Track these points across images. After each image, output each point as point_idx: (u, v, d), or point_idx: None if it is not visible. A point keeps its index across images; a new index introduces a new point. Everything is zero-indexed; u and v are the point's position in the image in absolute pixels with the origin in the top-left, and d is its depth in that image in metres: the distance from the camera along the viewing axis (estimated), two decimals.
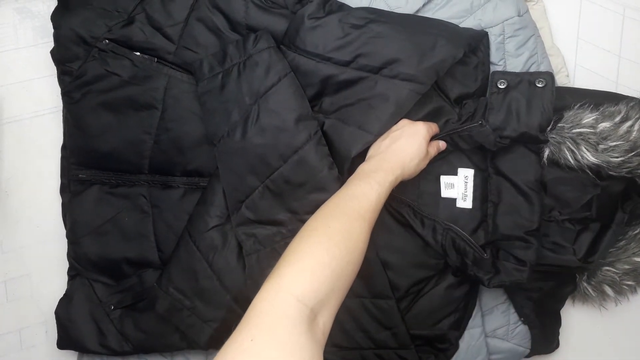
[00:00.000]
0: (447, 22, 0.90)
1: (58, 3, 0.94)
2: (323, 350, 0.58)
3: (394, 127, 0.85)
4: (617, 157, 0.83)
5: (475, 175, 0.91)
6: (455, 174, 0.92)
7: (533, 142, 0.85)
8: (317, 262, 0.62)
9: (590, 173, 0.86)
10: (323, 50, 0.86)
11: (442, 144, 0.88)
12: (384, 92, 0.84)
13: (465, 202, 0.91)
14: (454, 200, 0.92)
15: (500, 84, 0.86)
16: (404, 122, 0.86)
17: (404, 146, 0.81)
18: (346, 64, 0.86)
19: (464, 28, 0.90)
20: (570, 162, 0.85)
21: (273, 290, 0.59)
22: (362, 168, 0.79)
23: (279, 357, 0.52)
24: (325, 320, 0.61)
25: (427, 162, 0.85)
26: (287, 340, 0.54)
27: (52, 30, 0.94)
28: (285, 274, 0.60)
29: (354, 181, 0.76)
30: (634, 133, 0.83)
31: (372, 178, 0.75)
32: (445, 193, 0.92)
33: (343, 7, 0.90)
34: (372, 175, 0.76)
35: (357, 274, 0.68)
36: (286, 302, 0.57)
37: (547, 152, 0.86)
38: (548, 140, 0.85)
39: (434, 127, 0.86)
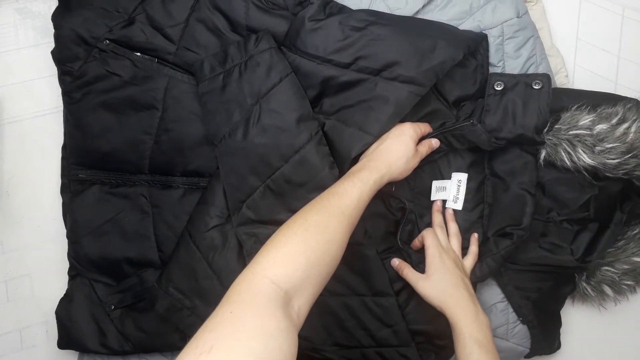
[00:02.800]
0: (447, 24, 0.90)
1: (59, 3, 0.94)
2: (297, 333, 0.61)
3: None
4: (613, 159, 0.83)
5: (470, 179, 0.92)
6: (450, 177, 0.92)
7: (529, 143, 0.86)
8: (292, 250, 0.66)
9: (586, 174, 0.87)
10: (323, 52, 0.86)
11: (434, 142, 0.89)
12: (383, 93, 0.85)
13: (456, 204, 0.92)
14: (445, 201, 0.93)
15: (497, 86, 0.86)
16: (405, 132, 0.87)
17: (390, 146, 0.84)
18: (346, 65, 0.86)
19: (463, 30, 0.90)
20: (566, 163, 0.85)
21: (250, 274, 0.63)
22: (350, 169, 0.82)
23: (256, 323, 0.56)
24: (301, 305, 0.64)
25: (417, 160, 0.86)
26: (263, 311, 0.58)
27: (53, 31, 0.94)
28: (261, 261, 0.65)
29: (339, 180, 0.79)
30: (631, 135, 0.83)
31: (356, 176, 0.78)
32: (435, 196, 0.93)
33: (343, 9, 0.90)
34: (356, 174, 0.79)
35: (335, 266, 0.72)
36: (261, 283, 0.62)
37: (543, 154, 0.87)
38: (544, 142, 0.85)
39: (422, 127, 0.88)
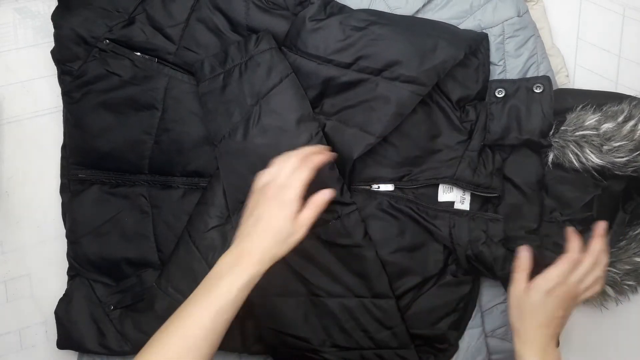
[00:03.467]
0: (448, 24, 0.90)
1: (58, 3, 0.94)
2: None
3: (259, 184, 0.75)
4: (622, 157, 0.83)
5: None
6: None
7: (536, 147, 0.86)
8: None
9: (595, 174, 0.86)
10: (324, 52, 0.86)
11: (327, 195, 0.74)
12: (385, 93, 0.84)
13: (463, 204, 0.92)
14: (451, 202, 0.92)
15: (499, 93, 0.86)
16: (272, 174, 0.75)
17: (269, 226, 0.72)
18: (347, 66, 0.86)
19: (464, 30, 0.90)
20: (575, 165, 0.85)
21: None
22: (225, 260, 0.72)
23: None
24: None
25: (302, 234, 0.72)
26: None
27: (53, 30, 0.94)
28: None
29: (214, 280, 0.71)
30: (638, 132, 0.83)
31: (235, 274, 0.70)
32: (442, 197, 0.93)
33: (344, 9, 0.90)
34: (234, 270, 0.70)
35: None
36: None
37: (551, 157, 0.87)
38: (551, 145, 0.85)
39: (314, 160, 0.75)
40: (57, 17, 0.94)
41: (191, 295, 0.71)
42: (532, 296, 0.77)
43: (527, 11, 0.91)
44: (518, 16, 0.90)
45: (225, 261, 0.72)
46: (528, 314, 0.76)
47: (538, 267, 0.81)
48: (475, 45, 0.87)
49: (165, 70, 0.93)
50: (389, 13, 0.91)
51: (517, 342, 0.77)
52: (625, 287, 0.92)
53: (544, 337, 0.75)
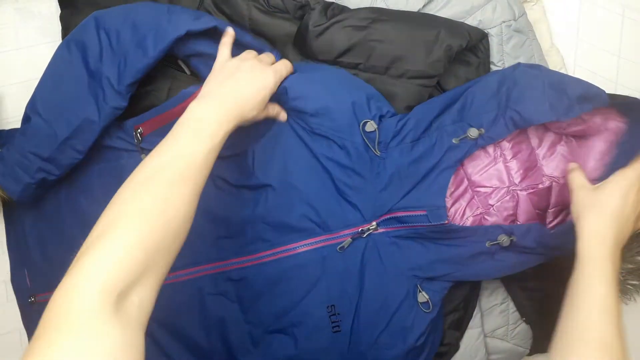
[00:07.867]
0: (446, 18, 0.90)
1: (59, 4, 0.93)
2: (144, 324, 0.54)
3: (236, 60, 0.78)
4: None
5: None
6: None
7: None
8: (125, 245, 0.55)
9: None
10: (330, 56, 0.86)
11: (282, 117, 0.83)
12: (393, 90, 0.86)
13: None
14: None
15: None
16: (251, 54, 0.80)
17: (245, 89, 0.74)
18: (355, 66, 0.86)
19: (461, 22, 0.90)
20: None
21: (71, 285, 0.51)
22: (194, 112, 0.69)
23: (82, 356, 0.47)
24: (143, 296, 0.55)
25: (263, 115, 0.78)
26: (88, 336, 0.48)
27: (53, 31, 0.94)
28: (86, 265, 0.53)
29: (182, 134, 0.67)
30: None
31: (204, 130, 0.67)
32: None
33: (345, 10, 0.90)
34: (204, 126, 0.68)
35: (184, 237, 0.63)
36: (85, 298, 0.50)
37: None
38: None
39: (284, 69, 0.80)
40: (66, 18, 0.92)
41: (171, 139, 0.66)
42: (608, 191, 0.71)
43: (523, 14, 0.91)
44: (514, 19, 0.90)
45: (198, 112, 0.69)
46: (601, 208, 0.70)
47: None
48: (475, 35, 0.88)
49: (169, 72, 0.92)
50: (389, 9, 0.90)
51: (582, 239, 0.70)
52: (629, 286, 0.92)
53: (614, 238, 0.69)
